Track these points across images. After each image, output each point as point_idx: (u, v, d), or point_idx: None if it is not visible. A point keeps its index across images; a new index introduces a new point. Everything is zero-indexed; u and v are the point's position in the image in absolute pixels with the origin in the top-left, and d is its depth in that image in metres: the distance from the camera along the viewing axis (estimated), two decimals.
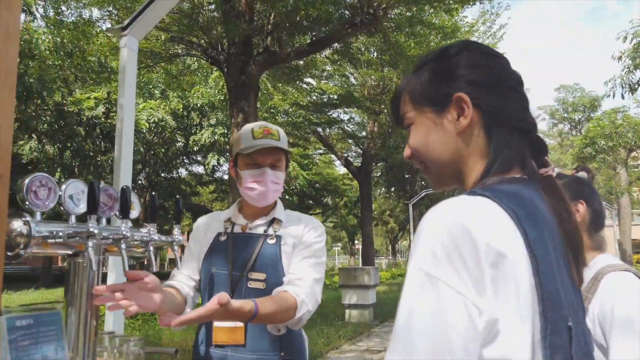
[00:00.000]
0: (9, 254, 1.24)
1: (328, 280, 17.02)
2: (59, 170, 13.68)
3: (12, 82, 0.87)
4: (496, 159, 0.78)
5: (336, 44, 9.42)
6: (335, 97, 14.07)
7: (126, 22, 4.41)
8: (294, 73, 10.56)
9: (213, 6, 8.67)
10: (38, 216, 1.29)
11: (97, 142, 14.87)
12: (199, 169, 22.08)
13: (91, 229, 1.24)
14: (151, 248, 1.44)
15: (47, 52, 11.68)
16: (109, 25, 9.96)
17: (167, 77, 10.26)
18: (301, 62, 10.29)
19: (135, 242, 1.43)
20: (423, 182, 21.04)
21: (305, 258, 1.58)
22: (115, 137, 4.34)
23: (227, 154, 15.97)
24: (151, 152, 17.27)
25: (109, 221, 1.56)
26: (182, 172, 22.12)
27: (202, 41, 8.31)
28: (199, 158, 19.80)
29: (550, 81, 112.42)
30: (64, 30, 11.94)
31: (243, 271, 1.55)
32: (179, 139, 15.70)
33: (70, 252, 1.36)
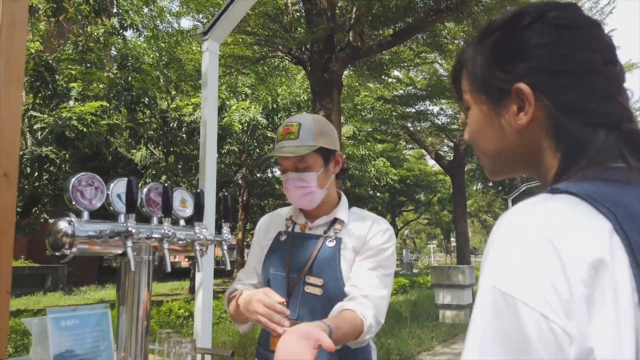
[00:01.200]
0: (56, 254, 1.25)
1: (422, 278, 16.52)
2: (164, 174, 14.75)
3: (18, 76, 0.83)
4: (570, 161, 0.65)
5: (421, 33, 9.06)
6: (423, 89, 13.59)
7: (207, 26, 4.57)
8: (378, 67, 10.35)
9: (296, 7, 8.75)
10: (85, 215, 1.30)
11: (197, 146, 15.80)
12: None
13: (129, 228, 1.22)
14: (197, 247, 1.39)
15: (149, 65, 12.66)
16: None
17: (257, 78, 10.57)
18: (385, 56, 10.05)
19: (181, 242, 1.40)
20: (524, 176, 19.67)
21: (371, 269, 1.44)
22: (200, 139, 4.51)
23: None
24: (245, 152, 17.98)
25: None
26: (276, 172, 22.80)
27: (286, 42, 8.42)
28: None
29: None
30: (161, 43, 12.84)
31: (300, 274, 1.46)
32: (270, 136, 16.13)
33: (119, 251, 1.36)
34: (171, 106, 13.87)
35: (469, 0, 7.12)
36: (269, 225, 1.65)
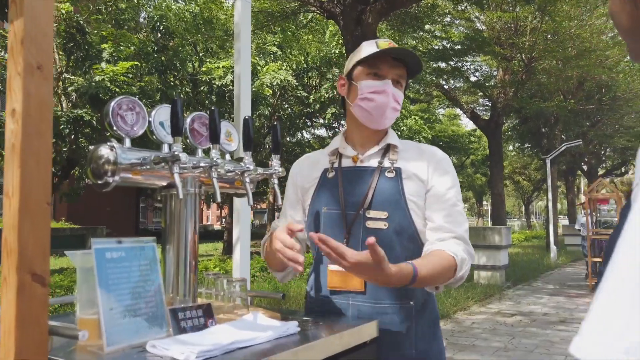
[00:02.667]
0: (98, 182, 1.16)
1: None
2: None
3: None
4: None
5: None
6: (460, 42, 13.00)
7: None
8: (413, 21, 9.90)
9: None
10: (127, 142, 1.19)
11: (227, 109, 15.75)
12: (322, 132, 22.40)
13: (176, 152, 1.10)
14: (247, 179, 1.28)
15: (182, 28, 12.52)
16: None
17: (286, 35, 10.29)
18: (422, 8, 9.59)
19: (230, 174, 1.28)
20: (563, 136, 18.92)
21: (444, 208, 1.35)
22: (234, 97, 4.39)
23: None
24: (276, 115, 17.85)
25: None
26: (307, 135, 22.65)
27: None
28: (321, 120, 20.05)
29: None
30: (194, 6, 12.63)
31: (359, 209, 1.34)
32: (301, 94, 15.87)
33: (163, 182, 1.26)
34: (202, 69, 13.79)
35: None
36: (309, 166, 1.52)
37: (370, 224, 1.32)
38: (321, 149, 1.56)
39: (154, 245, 1.20)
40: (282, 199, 1.48)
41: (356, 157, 1.42)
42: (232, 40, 13.50)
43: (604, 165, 27.20)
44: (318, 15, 10.41)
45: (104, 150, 1.13)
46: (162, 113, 1.27)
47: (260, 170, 1.34)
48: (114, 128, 1.17)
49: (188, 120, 1.36)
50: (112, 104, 1.17)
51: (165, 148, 1.25)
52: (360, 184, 1.36)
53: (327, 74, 15.56)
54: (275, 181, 1.37)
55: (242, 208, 4.01)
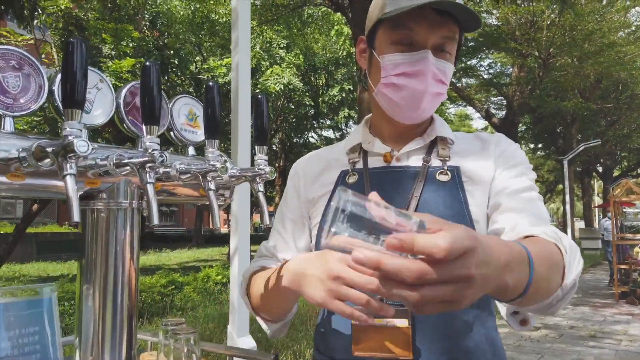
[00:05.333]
0: None
1: None
2: None
3: None
4: None
5: None
6: (473, 39, 12.46)
7: None
8: None
9: None
10: (7, 124, 0.71)
11: (231, 107, 15.36)
12: (329, 133, 21.97)
13: (70, 139, 0.61)
14: (211, 185, 0.79)
15: (181, 24, 12.13)
16: None
17: (291, 32, 9.85)
18: None
19: (184, 175, 0.79)
20: (579, 136, 18.27)
21: (520, 205, 0.85)
22: (232, 87, 3.92)
23: (357, 110, 15.40)
24: (282, 117, 17.44)
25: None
26: (313, 136, 22.21)
27: None
28: (328, 122, 19.65)
29: None
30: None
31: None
32: (307, 102, 15.44)
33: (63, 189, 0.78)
34: (203, 66, 13.41)
35: None
36: (318, 167, 1.00)
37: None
38: (332, 146, 1.07)
39: (51, 298, 0.72)
40: (269, 230, 1.00)
41: (389, 155, 0.93)
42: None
43: (620, 166, 26.45)
44: (324, 9, 9.94)
45: None
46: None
47: (234, 170, 0.84)
48: None
49: (123, 92, 0.87)
50: None
51: (66, 127, 0.77)
52: (397, 191, 0.88)
53: (334, 74, 15.10)
54: (260, 187, 0.87)
55: (241, 213, 3.54)
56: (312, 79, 15.94)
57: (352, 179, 0.94)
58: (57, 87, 0.77)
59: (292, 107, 17.51)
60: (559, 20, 11.56)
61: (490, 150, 0.92)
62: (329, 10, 9.32)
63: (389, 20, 0.87)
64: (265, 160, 0.88)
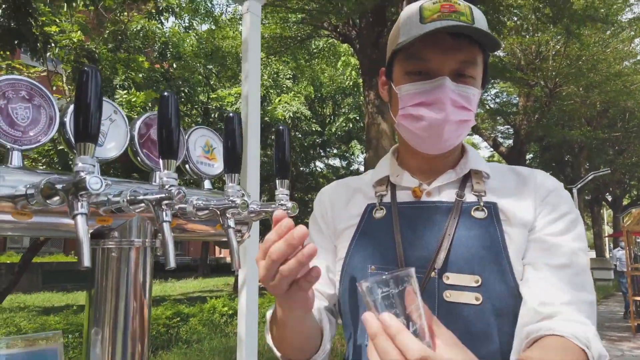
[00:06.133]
0: None
1: None
2: None
3: None
4: None
5: (481, 5, 8.14)
6: None
7: None
8: None
9: None
10: (15, 158, 0.67)
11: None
12: (336, 162, 22.01)
13: (82, 175, 0.56)
14: (231, 222, 0.73)
15: (191, 54, 12.34)
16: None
17: (299, 63, 9.97)
18: None
19: (202, 212, 0.74)
20: (587, 165, 18.15)
21: (562, 266, 0.78)
22: (242, 116, 3.91)
23: (363, 142, 15.43)
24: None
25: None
26: (320, 165, 22.25)
27: (333, 19, 7.75)
28: (335, 151, 19.72)
29: None
30: (200, 32, 12.46)
31: (429, 271, 0.79)
32: (315, 129, 15.53)
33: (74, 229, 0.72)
34: (212, 95, 13.58)
35: None
36: (345, 198, 0.95)
37: (450, 296, 0.77)
38: (359, 176, 1.01)
39: (56, 349, 0.66)
40: None
41: (419, 190, 0.88)
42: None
43: (629, 194, 26.19)
44: (331, 41, 10.08)
45: None
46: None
47: (254, 206, 0.79)
48: None
49: (138, 124, 0.83)
50: None
51: (78, 162, 0.72)
52: (429, 229, 0.82)
53: (341, 104, 15.22)
54: None
55: (250, 243, 3.47)
56: (319, 108, 16.07)
57: (379, 214, 0.88)
58: (68, 119, 0.72)
59: (300, 136, 17.64)
60: (565, 50, 11.64)
61: (530, 190, 0.85)
62: (336, 41, 9.44)
63: (402, 51, 0.84)
64: (287, 194, 0.82)
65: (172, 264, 0.62)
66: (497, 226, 0.80)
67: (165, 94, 0.65)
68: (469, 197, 0.85)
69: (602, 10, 8.60)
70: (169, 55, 11.59)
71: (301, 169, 21.38)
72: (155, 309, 7.57)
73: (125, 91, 9.58)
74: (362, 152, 16.23)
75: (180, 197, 0.62)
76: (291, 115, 14.39)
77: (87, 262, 0.54)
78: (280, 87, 14.62)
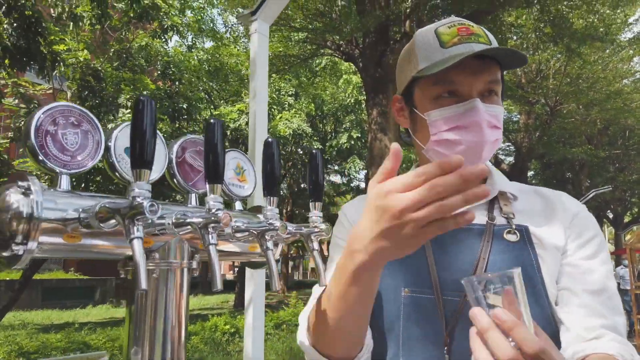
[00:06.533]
0: (1, 253, 0.64)
1: None
2: None
3: None
4: None
5: (483, 24, 8.28)
6: None
7: (255, 6, 4.02)
8: None
9: (345, 1, 8.18)
10: (64, 182, 0.68)
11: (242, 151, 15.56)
12: (336, 178, 22.04)
13: (138, 200, 0.58)
14: (269, 244, 0.75)
15: (192, 73, 12.45)
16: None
17: (301, 81, 10.07)
18: None
19: (240, 234, 0.75)
20: (588, 182, 18.19)
21: (589, 288, 0.81)
22: (249, 134, 3.94)
23: (365, 159, 15.46)
24: (290, 162, 17.59)
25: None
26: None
27: (336, 37, 7.85)
28: (336, 167, 19.77)
29: None
30: (201, 51, 12.58)
31: (465, 294, 0.79)
32: (316, 146, 15.62)
33: (126, 250, 0.74)
34: (214, 113, 13.67)
35: None
36: None
37: None
38: None
39: None
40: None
41: None
42: (246, 86, 13.41)
43: (630, 212, 26.16)
44: (333, 59, 10.18)
45: (12, 196, 0.62)
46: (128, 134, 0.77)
47: (290, 227, 0.81)
48: (40, 157, 0.66)
49: (175, 147, 0.85)
50: (39, 114, 0.67)
51: (134, 188, 0.74)
52: (462, 252, 0.83)
53: (343, 121, 15.31)
54: (316, 245, 0.83)
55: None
56: (320, 125, 16.18)
57: None
58: (113, 143, 0.74)
59: (300, 152, 17.70)
60: (565, 69, 11.77)
61: (558, 213, 0.87)
62: (338, 59, 9.54)
63: (427, 76, 0.83)
64: (320, 217, 0.84)
65: (218, 285, 0.63)
66: (530, 250, 0.81)
67: (212, 121, 0.67)
68: (499, 220, 0.86)
69: (602, 29, 8.71)
70: (170, 73, 11.71)
71: (302, 185, 21.41)
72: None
73: (128, 110, 9.66)
74: (363, 169, 16.27)
75: (227, 222, 0.64)
76: (291, 132, 14.47)
77: (144, 284, 0.55)
78: (282, 105, 14.72)
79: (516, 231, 0.83)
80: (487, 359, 0.54)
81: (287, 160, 17.26)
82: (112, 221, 0.60)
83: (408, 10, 7.16)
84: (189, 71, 12.24)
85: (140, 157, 0.58)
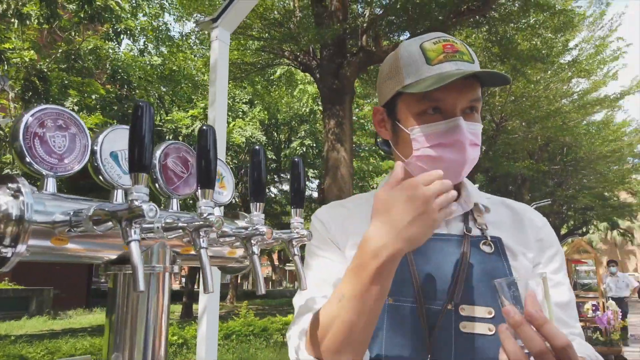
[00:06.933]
0: None
1: None
2: None
3: None
4: None
5: None
6: None
7: (216, 13, 4.01)
8: None
9: (304, 13, 8.27)
10: (50, 185, 0.68)
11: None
12: (289, 188, 22.03)
13: (137, 204, 0.59)
14: (255, 249, 0.77)
15: (143, 78, 12.16)
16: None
17: (256, 89, 10.05)
18: None
19: (226, 238, 0.77)
20: (528, 196, 19.14)
21: (567, 303, 0.90)
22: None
23: (317, 168, 15.54)
24: (243, 170, 17.43)
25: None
26: (274, 191, 22.18)
27: (294, 47, 7.91)
28: (289, 176, 19.76)
29: None
30: (155, 56, 12.32)
31: (446, 303, 0.84)
32: (270, 155, 15.56)
33: (112, 255, 0.74)
34: (166, 118, 13.35)
35: (493, 1, 6.65)
36: (350, 222, 0.96)
37: (466, 327, 0.82)
38: (354, 200, 1.03)
39: None
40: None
41: None
42: (199, 92, 13.20)
43: (566, 224, 27.67)
44: (289, 69, 10.25)
45: (1, 197, 0.61)
46: (116, 138, 0.77)
47: (279, 233, 0.83)
48: (27, 159, 0.66)
49: (158, 153, 0.86)
50: (27, 116, 0.67)
51: (119, 195, 0.74)
52: (443, 261, 0.87)
53: (297, 130, 15.37)
54: (296, 250, 0.86)
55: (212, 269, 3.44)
56: (275, 134, 16.15)
57: None
58: (99, 147, 0.74)
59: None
60: (510, 87, 12.41)
61: (526, 226, 0.93)
62: (293, 69, 9.61)
63: (411, 92, 0.84)
64: (302, 222, 0.87)
65: (210, 288, 0.65)
66: (503, 261, 0.86)
67: (204, 127, 0.69)
68: (475, 231, 0.90)
69: (544, 51, 9.27)
70: (119, 78, 11.38)
71: None
72: (99, 340, 7.20)
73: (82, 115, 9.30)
74: (316, 178, 16.34)
75: (219, 226, 0.66)
76: (245, 140, 14.35)
77: (142, 286, 0.56)
78: (236, 112, 14.60)
79: (491, 242, 0.88)
80: (515, 350, 0.60)
81: (240, 168, 17.08)
82: (108, 224, 0.60)
83: (365, 25, 7.34)
84: (140, 76, 11.95)
85: (139, 161, 0.59)
